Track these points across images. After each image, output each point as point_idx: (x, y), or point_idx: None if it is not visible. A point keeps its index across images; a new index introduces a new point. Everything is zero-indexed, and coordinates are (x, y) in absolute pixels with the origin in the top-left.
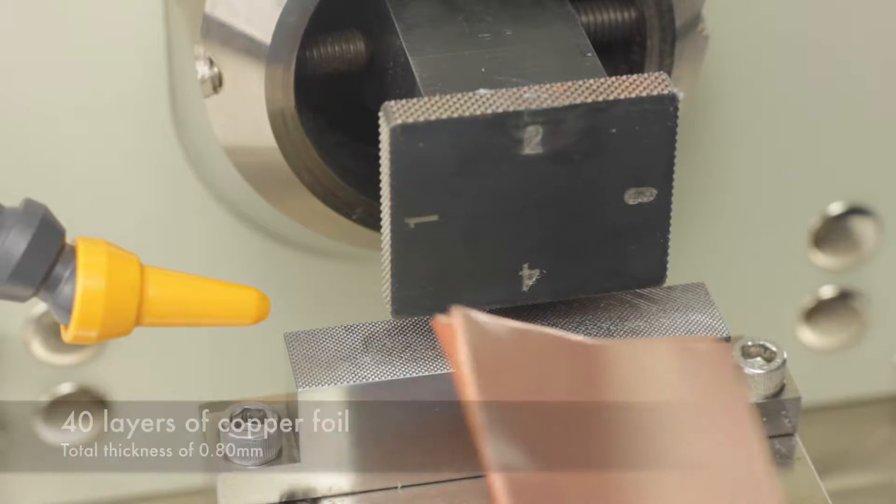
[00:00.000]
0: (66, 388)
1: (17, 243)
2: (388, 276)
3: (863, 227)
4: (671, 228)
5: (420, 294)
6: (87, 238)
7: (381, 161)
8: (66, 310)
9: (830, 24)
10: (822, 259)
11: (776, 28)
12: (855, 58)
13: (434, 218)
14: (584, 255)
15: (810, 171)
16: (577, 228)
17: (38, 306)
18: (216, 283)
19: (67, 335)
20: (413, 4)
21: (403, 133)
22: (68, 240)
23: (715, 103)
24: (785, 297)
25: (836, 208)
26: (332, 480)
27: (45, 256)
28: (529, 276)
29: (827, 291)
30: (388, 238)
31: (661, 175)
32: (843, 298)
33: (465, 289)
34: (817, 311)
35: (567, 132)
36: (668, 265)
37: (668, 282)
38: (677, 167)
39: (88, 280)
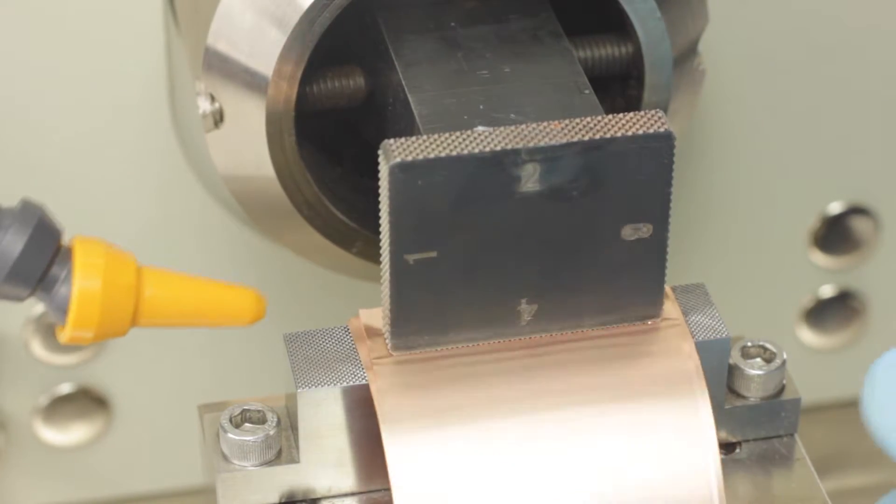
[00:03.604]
0: (66, 388)
1: (13, 243)
2: (387, 311)
3: (862, 227)
4: (671, 228)
5: (418, 329)
6: (85, 238)
7: (380, 198)
8: (63, 310)
9: (830, 24)
10: (821, 259)
11: (775, 28)
12: (854, 57)
13: (433, 254)
14: (582, 290)
15: (810, 171)
16: (574, 264)
17: (38, 306)
18: (213, 284)
19: (63, 336)
20: (412, 41)
21: (402, 171)
22: (67, 239)
23: (715, 104)
24: (785, 297)
25: (836, 208)
26: (332, 480)
27: (42, 257)
28: (528, 311)
29: (827, 291)
30: (388, 274)
31: (658, 211)
32: (843, 298)
33: (464, 324)
34: (817, 311)
35: (564, 169)
36: (669, 265)
37: (669, 281)
38: (677, 168)
39: (85, 281)
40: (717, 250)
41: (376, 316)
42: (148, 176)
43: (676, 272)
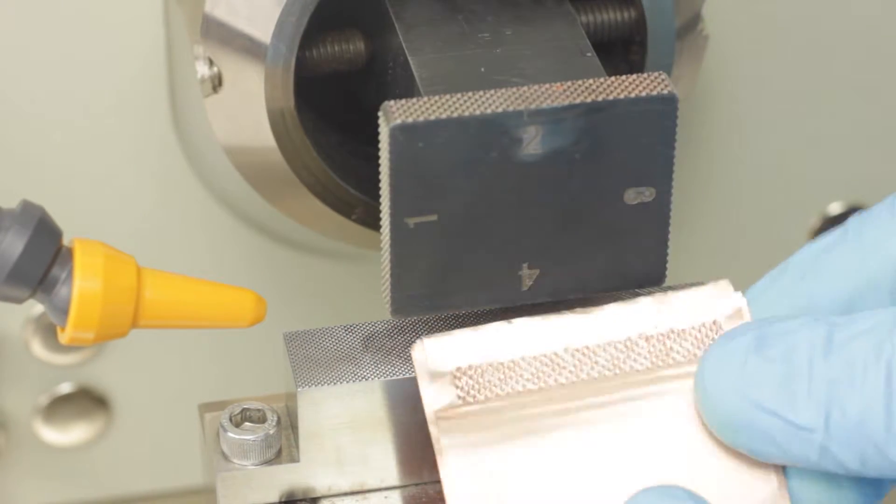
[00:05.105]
0: (66, 388)
1: (14, 245)
2: (387, 275)
3: None
4: (671, 228)
5: (419, 294)
6: (84, 240)
7: (380, 161)
8: (63, 311)
9: (830, 24)
10: None
11: (776, 28)
12: (855, 57)
13: (433, 218)
14: (584, 255)
15: (810, 171)
16: (576, 228)
17: (38, 306)
18: (213, 286)
19: (64, 337)
20: (413, 4)
21: (403, 133)
22: (67, 240)
23: (715, 103)
24: None
25: (835, 208)
26: (332, 480)
27: (42, 258)
28: (529, 276)
29: None
30: (388, 238)
31: (661, 175)
32: None
33: (465, 288)
34: None
35: (566, 132)
36: (668, 265)
37: (668, 282)
38: (677, 167)
39: (85, 282)
40: (717, 250)
41: (444, 348)
42: (150, 176)
43: (677, 271)
